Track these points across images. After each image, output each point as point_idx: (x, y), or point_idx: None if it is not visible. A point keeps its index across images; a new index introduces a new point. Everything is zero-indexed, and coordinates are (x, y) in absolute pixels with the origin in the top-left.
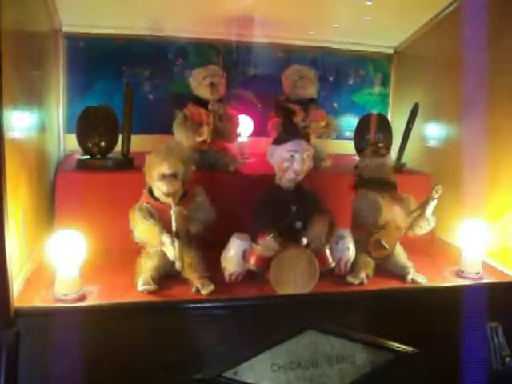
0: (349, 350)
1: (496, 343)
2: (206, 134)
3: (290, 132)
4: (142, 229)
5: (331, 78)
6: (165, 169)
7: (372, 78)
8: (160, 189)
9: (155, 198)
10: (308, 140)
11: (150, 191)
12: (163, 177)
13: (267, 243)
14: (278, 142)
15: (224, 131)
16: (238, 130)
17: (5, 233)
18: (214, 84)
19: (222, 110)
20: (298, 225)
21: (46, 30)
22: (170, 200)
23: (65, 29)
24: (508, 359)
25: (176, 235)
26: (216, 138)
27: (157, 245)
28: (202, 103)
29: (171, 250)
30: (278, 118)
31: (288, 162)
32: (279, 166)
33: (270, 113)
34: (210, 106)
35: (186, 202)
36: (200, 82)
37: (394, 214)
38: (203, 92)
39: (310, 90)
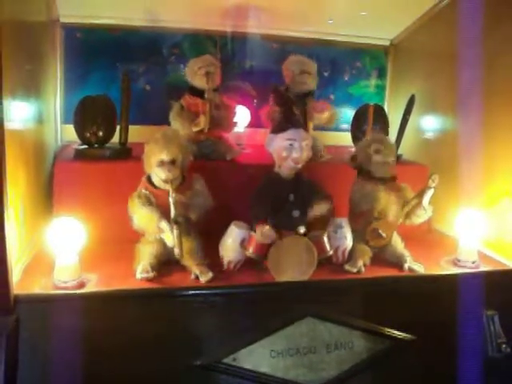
0: (347, 336)
1: (492, 331)
2: (202, 123)
3: (289, 121)
4: (141, 216)
5: (327, 71)
6: (164, 155)
7: (368, 70)
8: (159, 175)
9: (154, 186)
10: (306, 129)
11: (149, 179)
12: (162, 163)
13: (265, 232)
14: (276, 130)
15: (220, 120)
16: (235, 120)
17: (4, 221)
18: (210, 73)
19: (218, 99)
20: (296, 214)
21: (43, 21)
22: (168, 187)
23: (62, 19)
24: (504, 346)
25: (175, 221)
26: (212, 127)
27: (155, 232)
28: (198, 93)
29: (170, 237)
30: (275, 107)
31: (287, 151)
32: (278, 154)
33: (267, 103)
34: (206, 95)
35: (184, 190)
36: (195, 71)
37: (391, 203)
38: (199, 82)
39: (310, 84)
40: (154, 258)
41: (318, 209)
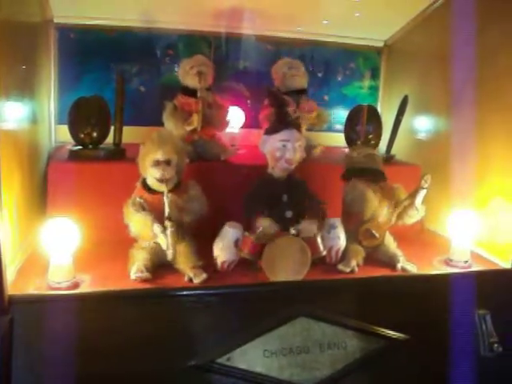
0: (340, 336)
1: (484, 330)
2: (195, 122)
3: (282, 122)
4: (136, 222)
5: (321, 71)
6: (159, 155)
7: (362, 71)
8: (154, 175)
9: (149, 190)
10: (300, 130)
11: (144, 183)
12: (157, 163)
13: (267, 223)
14: (270, 131)
15: (213, 119)
16: (228, 118)
17: None
18: (202, 73)
19: (210, 98)
20: (289, 214)
21: (37, 21)
22: (163, 187)
23: (56, 20)
24: (496, 345)
25: (168, 219)
26: (205, 126)
27: (151, 237)
28: (191, 93)
29: (163, 239)
30: (271, 109)
31: (280, 152)
32: (272, 155)
33: (261, 104)
34: (198, 94)
35: (180, 194)
36: (187, 71)
37: (382, 203)
38: (191, 81)
39: (300, 81)
40: (148, 260)
41: (310, 214)
